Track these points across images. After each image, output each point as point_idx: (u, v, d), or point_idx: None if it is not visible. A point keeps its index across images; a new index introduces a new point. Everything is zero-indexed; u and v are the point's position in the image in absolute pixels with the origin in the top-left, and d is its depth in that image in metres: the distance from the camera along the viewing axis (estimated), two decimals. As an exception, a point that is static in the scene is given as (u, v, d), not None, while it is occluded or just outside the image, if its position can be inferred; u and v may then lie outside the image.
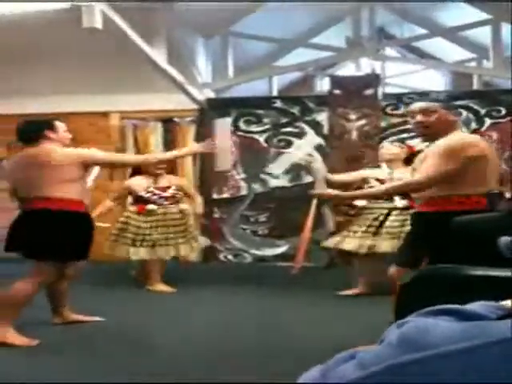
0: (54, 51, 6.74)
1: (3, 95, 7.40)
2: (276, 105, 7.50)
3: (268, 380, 2.81)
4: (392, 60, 9.44)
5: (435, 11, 8.22)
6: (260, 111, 7.50)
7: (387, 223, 5.07)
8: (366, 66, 8.42)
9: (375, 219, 5.10)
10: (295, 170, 7.26)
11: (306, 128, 7.41)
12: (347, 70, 9.47)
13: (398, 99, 7.31)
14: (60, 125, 3.91)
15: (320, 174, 4.33)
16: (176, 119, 7.66)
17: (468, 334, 0.42)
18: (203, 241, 6.18)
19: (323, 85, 9.66)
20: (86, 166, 3.89)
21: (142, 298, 5.24)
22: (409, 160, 4.84)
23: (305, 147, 7.25)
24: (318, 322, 4.23)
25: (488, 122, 7.02)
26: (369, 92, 7.10)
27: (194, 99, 7.29)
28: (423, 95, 7.17)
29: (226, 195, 7.52)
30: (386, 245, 4.99)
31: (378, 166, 5.36)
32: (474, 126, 7.00)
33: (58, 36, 6.19)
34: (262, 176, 7.47)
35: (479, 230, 1.95)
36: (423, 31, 8.43)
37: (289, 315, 4.48)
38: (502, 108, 7.00)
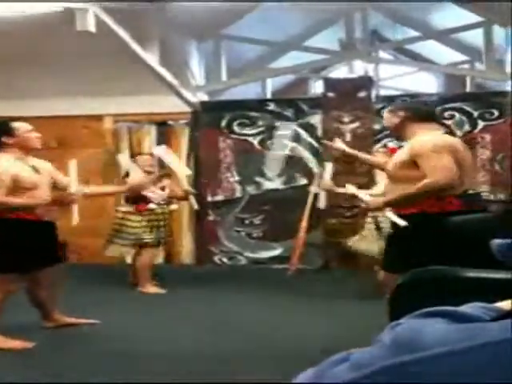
0: (48, 54, 6.72)
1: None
2: (270, 107, 7.51)
3: (263, 381, 2.81)
4: (385, 62, 9.46)
5: (428, 14, 8.25)
6: (254, 114, 7.50)
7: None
8: (359, 68, 8.44)
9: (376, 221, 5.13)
10: (290, 167, 7.28)
11: (300, 131, 7.41)
12: (340, 72, 9.49)
13: (391, 101, 7.32)
14: (21, 126, 3.65)
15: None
16: (170, 122, 7.65)
17: (462, 335, 0.42)
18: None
19: (317, 87, 9.68)
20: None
21: (135, 299, 5.23)
22: None
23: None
24: (314, 324, 4.23)
25: (481, 124, 7.04)
26: (362, 94, 7.12)
27: (187, 102, 7.29)
28: (416, 97, 7.21)
29: (220, 198, 7.52)
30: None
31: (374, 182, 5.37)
32: (466, 128, 7.02)
33: (52, 39, 6.19)
34: (257, 178, 7.47)
35: (472, 232, 1.96)
36: (416, 34, 8.46)
37: (284, 317, 4.48)
38: (494, 110, 7.02)
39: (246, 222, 7.48)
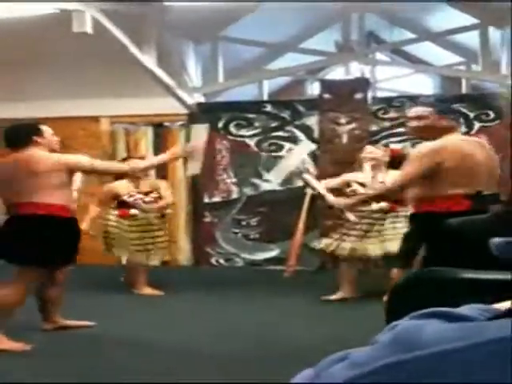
0: (44, 56, 6.72)
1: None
2: (266, 109, 7.51)
3: (261, 381, 2.81)
4: (381, 64, 9.47)
5: (424, 16, 8.26)
6: (250, 115, 7.50)
7: (376, 227, 5.10)
8: (355, 70, 8.44)
9: (365, 223, 5.12)
10: (292, 177, 7.30)
11: (297, 132, 7.42)
12: (337, 74, 9.49)
13: (388, 103, 7.33)
14: (47, 129, 3.90)
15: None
16: (166, 124, 7.65)
17: (460, 333, 0.43)
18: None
19: (313, 89, 9.68)
20: (72, 171, 3.87)
21: (133, 301, 5.23)
22: (393, 163, 4.89)
23: (299, 154, 7.31)
24: (311, 325, 4.23)
25: (477, 125, 7.05)
26: (358, 96, 7.13)
27: (184, 104, 7.28)
28: (412, 99, 7.22)
29: (217, 199, 7.52)
30: (372, 248, 5.03)
31: (361, 169, 5.35)
32: (463, 129, 7.03)
33: (48, 41, 6.18)
34: (253, 180, 7.47)
35: (471, 232, 1.97)
36: (412, 35, 8.47)
37: (281, 318, 4.49)
38: (490, 112, 7.03)
39: (243, 223, 7.48)
